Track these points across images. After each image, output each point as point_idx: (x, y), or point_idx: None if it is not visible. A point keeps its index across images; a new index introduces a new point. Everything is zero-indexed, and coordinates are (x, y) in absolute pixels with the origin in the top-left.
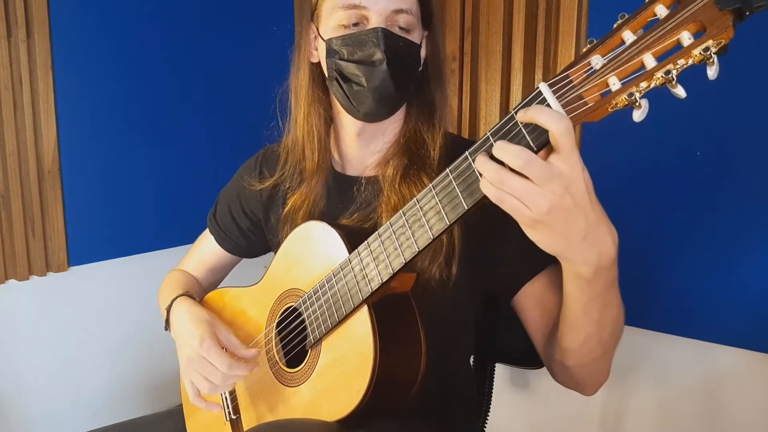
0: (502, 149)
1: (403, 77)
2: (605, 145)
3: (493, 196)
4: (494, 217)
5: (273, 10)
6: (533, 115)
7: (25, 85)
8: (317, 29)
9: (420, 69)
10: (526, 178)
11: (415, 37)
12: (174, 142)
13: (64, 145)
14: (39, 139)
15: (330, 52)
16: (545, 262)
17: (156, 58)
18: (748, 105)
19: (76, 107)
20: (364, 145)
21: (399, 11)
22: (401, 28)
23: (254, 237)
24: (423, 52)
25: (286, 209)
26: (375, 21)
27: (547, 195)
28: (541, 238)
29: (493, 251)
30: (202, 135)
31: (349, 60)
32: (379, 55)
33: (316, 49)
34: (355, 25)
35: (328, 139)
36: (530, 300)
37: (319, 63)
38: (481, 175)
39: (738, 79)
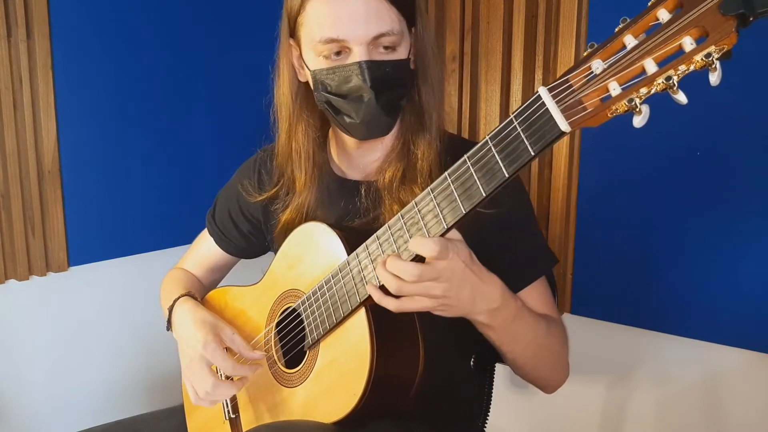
0: (396, 268)
1: (394, 100)
2: (605, 145)
3: (395, 307)
4: (491, 228)
5: (274, 7)
6: (412, 248)
7: (25, 85)
8: (300, 49)
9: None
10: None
11: (402, 50)
12: (174, 141)
13: (64, 145)
14: (39, 139)
15: (316, 85)
16: (531, 278)
17: (156, 57)
18: (748, 105)
19: (76, 107)
20: (363, 153)
21: (380, 35)
22: (386, 47)
23: (254, 238)
24: (409, 49)
25: (279, 227)
26: (357, 51)
27: (437, 287)
28: (447, 311)
29: (488, 260)
30: (203, 135)
31: (336, 94)
32: (365, 91)
33: (303, 68)
34: (338, 54)
35: (321, 152)
36: None
37: (307, 82)
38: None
39: (738, 79)
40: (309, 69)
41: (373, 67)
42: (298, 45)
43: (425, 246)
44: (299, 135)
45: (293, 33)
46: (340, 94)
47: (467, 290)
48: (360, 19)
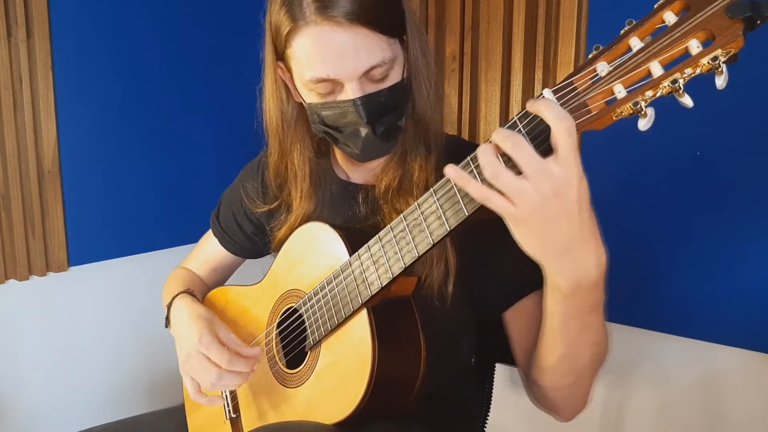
0: (498, 132)
1: (392, 125)
2: (605, 144)
3: (478, 195)
4: (491, 232)
5: None
6: (540, 106)
7: (25, 85)
8: (291, 74)
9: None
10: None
11: (396, 73)
12: (174, 141)
13: (64, 145)
14: (39, 139)
15: (312, 116)
16: (539, 282)
17: (156, 57)
18: (748, 105)
19: (76, 107)
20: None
21: (371, 69)
22: (379, 78)
23: (257, 239)
24: (403, 65)
25: (275, 244)
26: (349, 88)
27: (533, 195)
28: (521, 237)
29: (488, 266)
30: (202, 134)
31: (333, 128)
32: (362, 125)
33: (296, 88)
34: (330, 89)
35: (322, 162)
36: (518, 316)
37: (302, 103)
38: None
39: (738, 79)
40: (303, 99)
41: (367, 102)
42: (289, 71)
43: (553, 111)
44: (294, 156)
45: (281, 57)
46: (336, 128)
47: (564, 227)
48: (348, 55)
